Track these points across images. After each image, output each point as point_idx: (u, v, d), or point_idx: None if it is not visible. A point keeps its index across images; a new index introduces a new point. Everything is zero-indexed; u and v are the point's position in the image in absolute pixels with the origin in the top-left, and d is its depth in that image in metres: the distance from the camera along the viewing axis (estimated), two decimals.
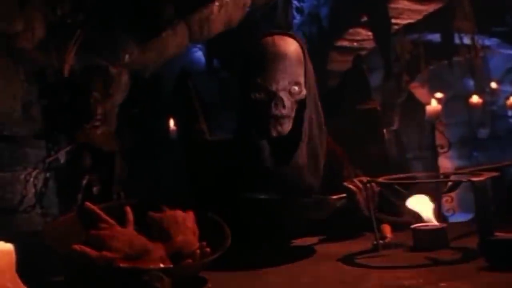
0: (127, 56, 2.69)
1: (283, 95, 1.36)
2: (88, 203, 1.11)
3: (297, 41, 1.42)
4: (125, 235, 1.03)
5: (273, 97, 1.36)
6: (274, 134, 1.37)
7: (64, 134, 2.57)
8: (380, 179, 1.25)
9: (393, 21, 4.16)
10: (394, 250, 1.23)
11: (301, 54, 1.40)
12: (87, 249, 0.98)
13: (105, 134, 2.69)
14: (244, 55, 1.46)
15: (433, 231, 1.21)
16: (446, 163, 4.94)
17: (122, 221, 1.09)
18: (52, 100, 2.52)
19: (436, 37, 4.79)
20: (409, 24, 4.37)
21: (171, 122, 3.68)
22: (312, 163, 1.40)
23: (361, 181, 1.34)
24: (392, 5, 4.05)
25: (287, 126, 1.38)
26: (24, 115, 2.44)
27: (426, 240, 1.20)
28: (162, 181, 3.13)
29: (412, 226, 1.24)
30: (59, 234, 1.05)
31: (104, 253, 0.98)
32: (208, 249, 1.03)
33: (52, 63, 2.49)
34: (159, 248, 1.03)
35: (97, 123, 2.64)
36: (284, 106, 1.36)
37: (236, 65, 3.75)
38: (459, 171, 1.37)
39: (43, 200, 2.51)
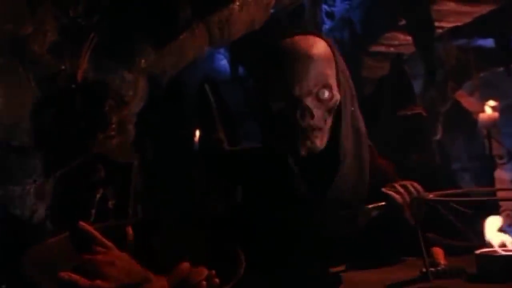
0: (143, 61, 2.57)
1: (309, 102, 1.16)
2: (82, 223, 0.96)
3: (324, 41, 1.24)
4: (123, 261, 0.92)
5: (297, 105, 1.15)
6: (304, 152, 1.16)
7: (76, 144, 2.43)
8: (431, 195, 1.00)
9: (437, 24, 3.87)
10: (449, 280, 1.01)
11: (330, 54, 1.21)
12: (77, 278, 0.85)
13: (121, 144, 2.56)
14: (262, 59, 1.26)
15: (509, 258, 0.95)
16: (502, 174, 4.54)
17: (122, 244, 0.97)
18: (64, 107, 2.39)
19: (488, 42, 4.45)
20: (456, 28, 4.05)
21: (197, 132, 3.51)
22: (357, 185, 1.19)
23: (403, 186, 1.12)
24: (436, 7, 3.76)
25: (320, 141, 1.16)
26: (33, 124, 2.31)
27: (497, 269, 0.94)
28: (184, 196, 2.96)
29: (478, 251, 0.98)
30: (44, 261, 0.92)
31: (97, 282, 0.86)
32: (216, 280, 0.90)
33: (64, 68, 2.37)
34: (161, 277, 0.91)
35: (112, 133, 2.51)
36: (312, 116, 1.15)
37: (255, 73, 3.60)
38: None
39: (54, 215, 2.37)
